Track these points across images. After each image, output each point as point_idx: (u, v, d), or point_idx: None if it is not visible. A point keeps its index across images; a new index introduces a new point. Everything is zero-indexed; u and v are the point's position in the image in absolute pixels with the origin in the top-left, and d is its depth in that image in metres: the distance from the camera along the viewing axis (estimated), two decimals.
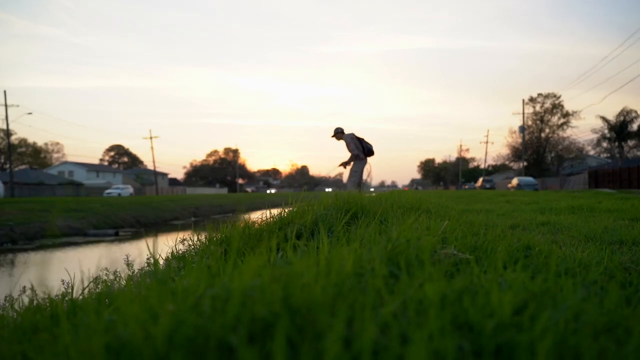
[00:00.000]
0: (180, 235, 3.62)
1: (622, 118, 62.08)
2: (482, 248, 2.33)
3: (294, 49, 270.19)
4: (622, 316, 1.18)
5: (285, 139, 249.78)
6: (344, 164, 11.05)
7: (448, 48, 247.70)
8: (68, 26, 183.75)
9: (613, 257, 2.57)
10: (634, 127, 62.35)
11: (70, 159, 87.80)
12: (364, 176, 11.15)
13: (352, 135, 10.97)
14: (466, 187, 66.37)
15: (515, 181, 46.39)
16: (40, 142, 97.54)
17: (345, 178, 11.67)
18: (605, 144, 66.39)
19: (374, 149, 11.14)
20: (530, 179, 46.14)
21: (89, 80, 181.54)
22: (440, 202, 8.51)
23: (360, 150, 10.88)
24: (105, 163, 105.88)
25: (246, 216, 3.96)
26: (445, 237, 2.51)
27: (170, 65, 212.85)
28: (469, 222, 4.03)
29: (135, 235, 23.38)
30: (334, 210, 3.90)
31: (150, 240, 2.72)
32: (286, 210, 3.80)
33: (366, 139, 11.10)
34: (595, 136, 65.20)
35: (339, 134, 11.00)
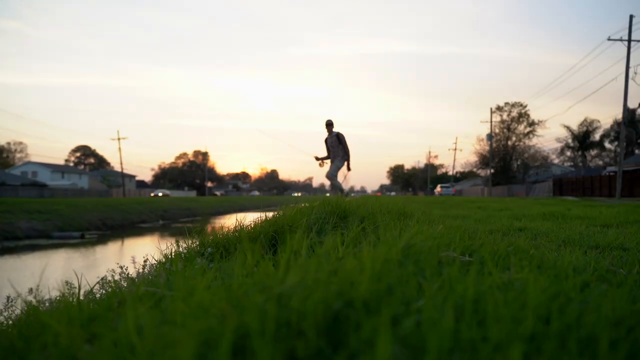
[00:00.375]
0: (148, 237, 3.65)
1: (585, 128, 64.13)
2: (479, 251, 2.45)
3: (265, 50, 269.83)
4: (632, 311, 1.30)
5: (255, 142, 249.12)
6: (322, 159, 11.60)
7: (417, 53, 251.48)
8: (29, 19, 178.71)
9: (599, 261, 2.72)
10: (596, 137, 64.50)
11: (34, 159, 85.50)
12: (340, 178, 11.61)
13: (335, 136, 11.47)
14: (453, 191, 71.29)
15: (439, 188, 63.72)
16: (2, 142, 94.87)
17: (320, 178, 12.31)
18: (568, 153, 68.53)
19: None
20: (449, 187, 64.63)
21: (53, 77, 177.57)
22: (418, 207, 8.69)
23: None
24: (71, 164, 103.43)
25: (219, 220, 4.01)
26: (442, 241, 2.62)
27: (139, 64, 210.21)
28: (455, 227, 4.16)
29: (102, 238, 22.97)
30: (325, 214, 4.00)
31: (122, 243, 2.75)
32: (279, 214, 3.88)
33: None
34: (559, 145, 67.24)
35: (329, 126, 11.57)
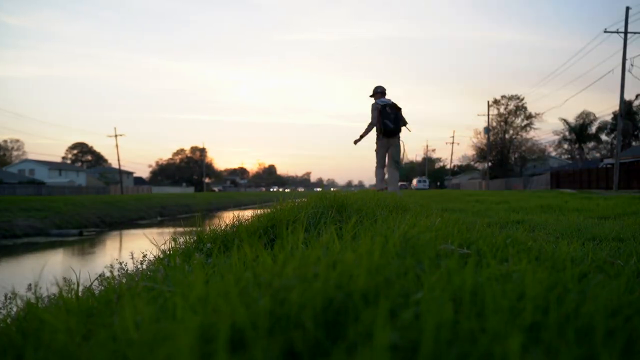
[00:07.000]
0: (146, 234, 3.64)
1: (581, 121, 64.22)
2: (477, 244, 2.45)
3: (255, 37, 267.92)
4: (629, 301, 1.30)
5: (252, 135, 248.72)
6: (357, 140, 9.87)
7: (411, 40, 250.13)
8: (7, 8, 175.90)
9: (597, 252, 2.73)
10: (593, 129, 64.59)
11: (31, 156, 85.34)
12: (400, 157, 9.76)
13: (375, 105, 9.46)
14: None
15: (415, 181, 71.95)
16: None
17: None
18: (566, 146, 68.66)
19: (395, 126, 9.36)
20: (425, 181, 71.98)
21: (46, 72, 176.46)
22: (415, 201, 8.70)
23: (378, 124, 9.33)
24: (68, 161, 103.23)
25: (218, 215, 4.01)
26: (440, 233, 2.62)
27: (137, 59, 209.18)
28: (453, 220, 4.17)
29: (100, 235, 22.95)
30: (323, 208, 4.00)
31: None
32: (277, 208, 3.87)
33: (400, 111, 9.49)
34: (556, 138, 67.37)
35: (377, 94, 9.60)
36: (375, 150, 9.74)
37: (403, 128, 9.63)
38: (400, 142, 9.69)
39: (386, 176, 9.98)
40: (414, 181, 71.99)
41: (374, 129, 9.63)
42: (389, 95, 9.77)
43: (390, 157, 9.62)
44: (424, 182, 71.04)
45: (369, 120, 9.69)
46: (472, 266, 1.21)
